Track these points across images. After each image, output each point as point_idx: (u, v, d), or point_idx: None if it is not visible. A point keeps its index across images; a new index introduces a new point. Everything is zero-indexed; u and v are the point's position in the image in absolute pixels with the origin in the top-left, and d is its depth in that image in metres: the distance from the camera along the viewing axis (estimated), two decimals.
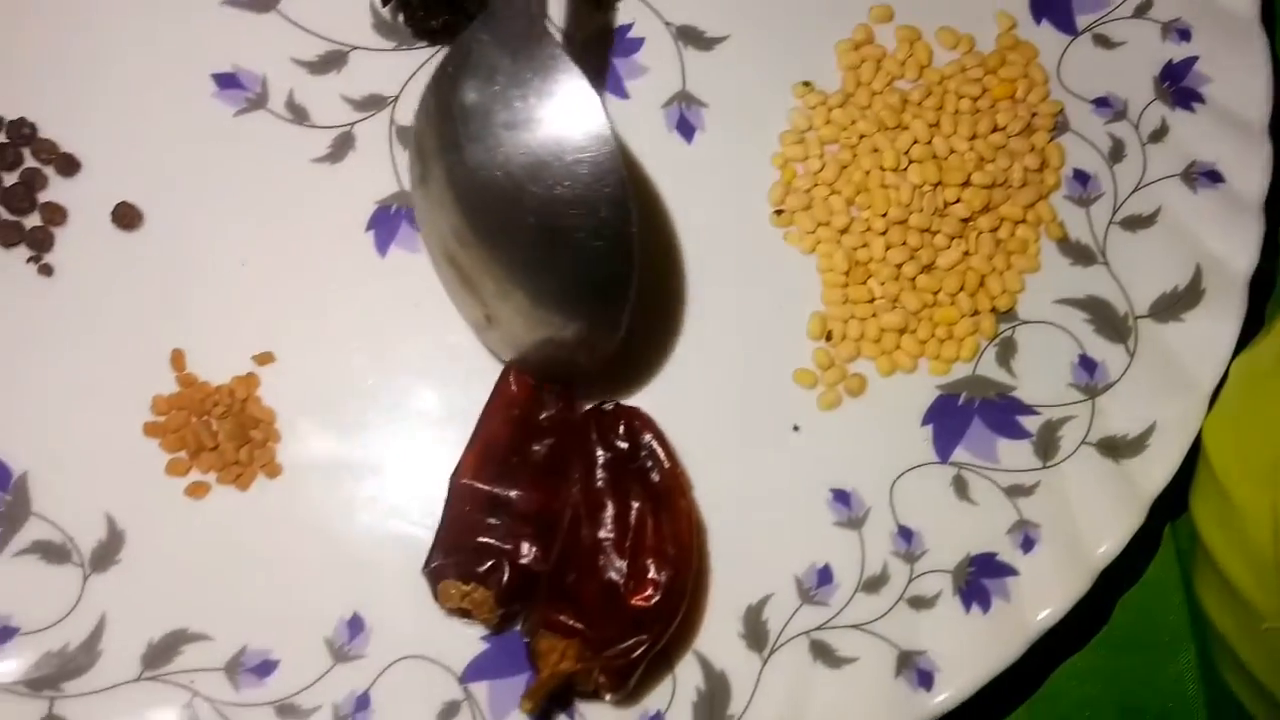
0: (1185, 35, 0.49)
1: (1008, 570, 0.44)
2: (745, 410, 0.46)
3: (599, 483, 0.43)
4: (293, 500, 0.44)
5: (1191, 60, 0.49)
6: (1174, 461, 0.45)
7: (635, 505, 0.43)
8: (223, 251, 0.46)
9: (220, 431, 0.44)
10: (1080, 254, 0.48)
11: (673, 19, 0.49)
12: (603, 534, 0.42)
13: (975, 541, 0.45)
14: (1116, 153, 0.49)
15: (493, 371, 0.45)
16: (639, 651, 0.40)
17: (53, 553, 0.43)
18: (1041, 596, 0.44)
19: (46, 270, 0.45)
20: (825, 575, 0.45)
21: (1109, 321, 0.47)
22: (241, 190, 0.47)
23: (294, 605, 0.43)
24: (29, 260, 0.45)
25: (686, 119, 0.49)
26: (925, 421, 0.47)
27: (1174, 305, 0.47)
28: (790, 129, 0.49)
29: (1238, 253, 0.47)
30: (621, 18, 0.49)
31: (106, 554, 0.43)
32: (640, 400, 0.45)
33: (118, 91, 0.47)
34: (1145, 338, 0.47)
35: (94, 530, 0.43)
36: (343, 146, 0.47)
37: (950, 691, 0.43)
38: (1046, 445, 0.46)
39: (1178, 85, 0.49)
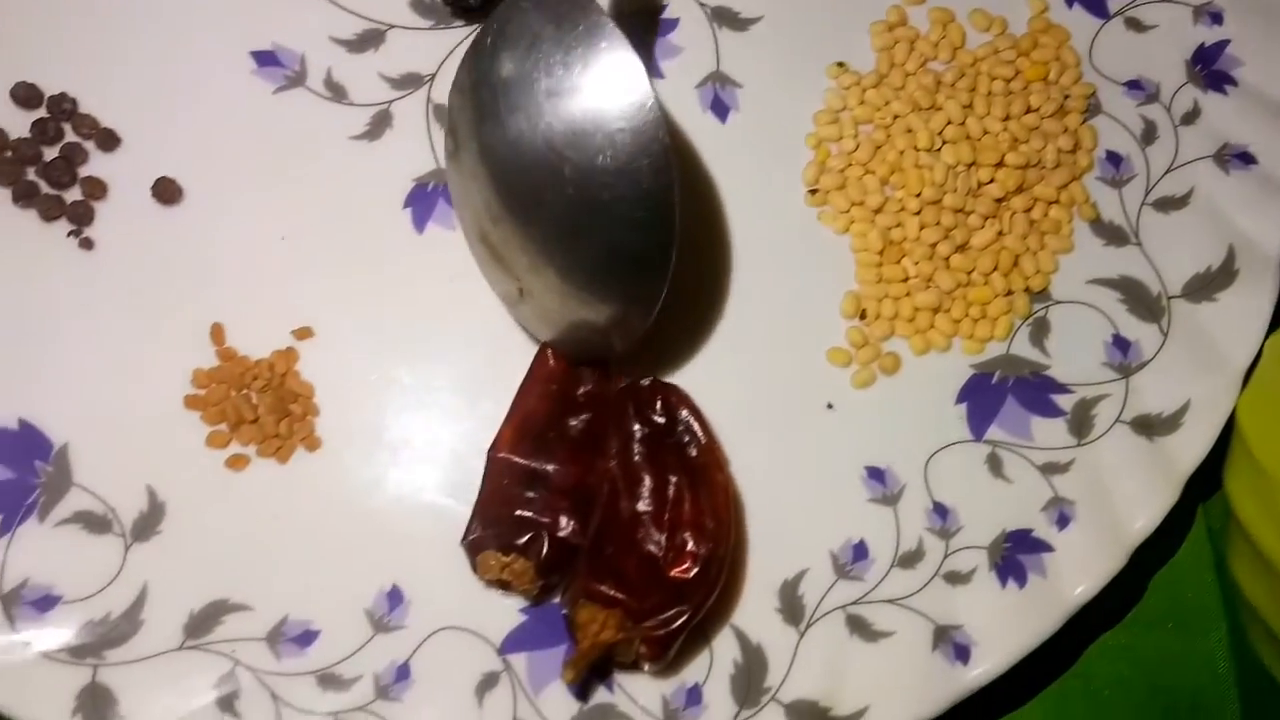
0: (1217, 18, 0.50)
1: (1043, 546, 0.44)
2: (779, 388, 0.47)
3: (636, 456, 0.43)
4: (331, 473, 0.44)
5: (1224, 43, 0.49)
6: (1208, 439, 0.45)
7: (673, 480, 0.43)
8: (262, 227, 0.46)
9: (260, 405, 0.44)
10: (1113, 235, 0.48)
11: (707, 0, 0.49)
12: (641, 507, 0.43)
13: (1010, 518, 0.45)
14: (1149, 135, 0.49)
15: (529, 347, 0.46)
16: (679, 622, 0.40)
17: (94, 523, 0.43)
18: (1077, 572, 0.44)
19: (87, 244, 0.45)
20: (861, 551, 0.45)
21: (1142, 301, 0.47)
22: (280, 167, 0.47)
23: (334, 577, 0.43)
24: (69, 234, 0.45)
25: (721, 99, 0.49)
26: (959, 400, 0.47)
27: (1207, 285, 0.47)
28: (824, 109, 0.49)
29: (1271, 233, 0.47)
30: None
31: (148, 525, 0.43)
32: (675, 378, 0.46)
33: (158, 68, 0.47)
34: (1178, 317, 0.47)
35: (135, 501, 0.43)
36: (380, 124, 0.48)
37: (987, 665, 0.43)
38: (1081, 423, 0.46)
39: (1210, 68, 0.49)
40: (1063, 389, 0.47)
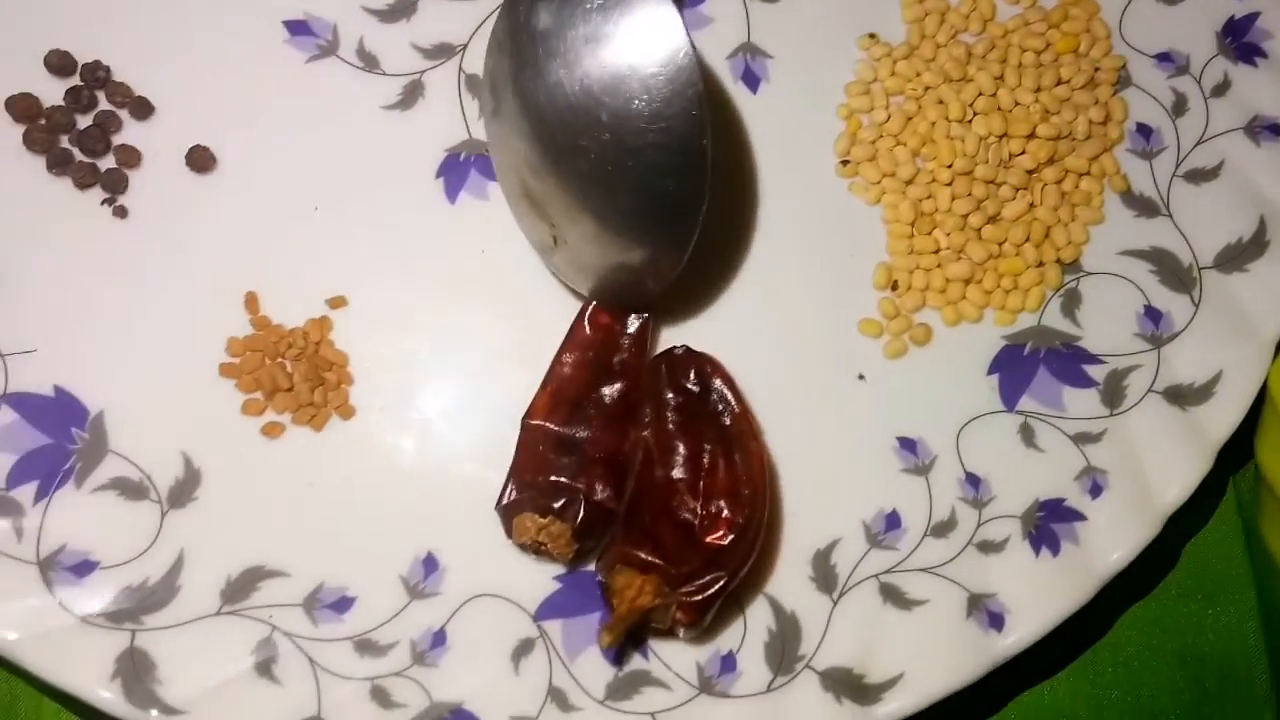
0: None
1: (1076, 515, 0.44)
2: (811, 359, 0.47)
3: (670, 424, 0.43)
4: (366, 441, 0.44)
5: (1254, 16, 0.49)
6: (1241, 408, 0.45)
7: (707, 448, 0.43)
8: (295, 196, 0.46)
9: (295, 373, 0.44)
10: (1144, 206, 0.48)
11: None
12: (676, 474, 0.43)
13: (1043, 487, 0.45)
14: (1179, 107, 0.49)
15: (562, 315, 0.46)
16: (716, 587, 0.40)
17: (130, 489, 0.43)
18: (1110, 541, 0.44)
19: (121, 212, 0.45)
20: (893, 520, 0.45)
21: (1173, 272, 0.47)
22: (313, 136, 0.47)
23: (369, 544, 0.43)
24: (103, 202, 0.45)
25: (752, 70, 0.49)
26: (991, 371, 0.47)
27: (1239, 256, 0.47)
28: (855, 80, 0.49)
29: None
30: None
31: (184, 491, 0.43)
32: (708, 348, 0.45)
33: (190, 36, 0.47)
34: (1210, 288, 0.47)
35: (171, 468, 0.43)
36: (413, 94, 0.48)
37: (1022, 632, 0.43)
38: (1113, 393, 0.46)
39: (1240, 40, 0.49)
40: (1094, 359, 0.47)
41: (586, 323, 0.45)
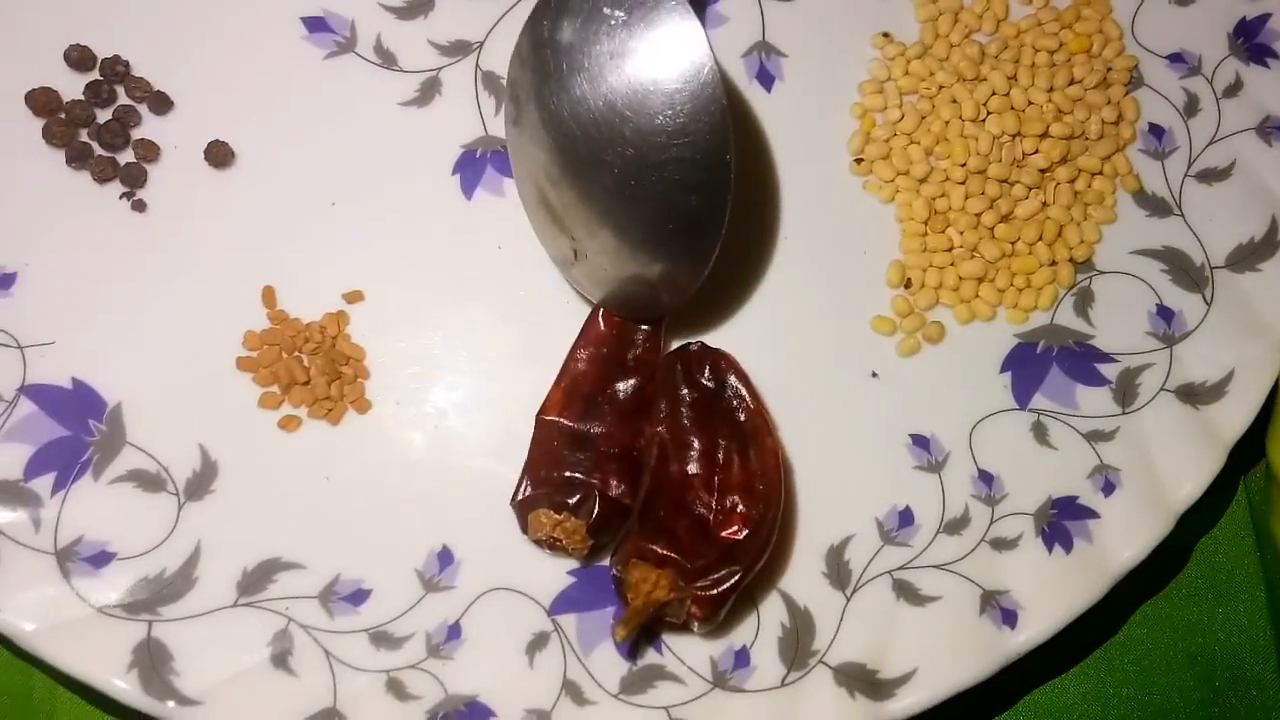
0: None
1: (1089, 513, 0.45)
2: (824, 356, 0.47)
3: (685, 420, 0.44)
4: (381, 435, 0.45)
5: (1265, 17, 0.50)
6: (1253, 406, 0.45)
7: (722, 443, 0.43)
8: (312, 191, 0.47)
9: (312, 367, 0.45)
10: (1156, 206, 0.48)
11: None
12: (690, 469, 0.43)
13: (1056, 485, 0.45)
14: (1191, 107, 0.49)
15: (576, 311, 0.46)
16: (731, 582, 0.41)
17: (148, 481, 0.43)
18: (1123, 538, 0.44)
19: (140, 206, 0.46)
20: (906, 517, 0.45)
21: (1186, 271, 0.47)
22: (331, 132, 0.47)
23: (384, 537, 0.43)
24: (122, 196, 0.46)
25: (766, 69, 0.49)
26: (1003, 369, 0.47)
27: (1250, 256, 0.47)
28: (869, 79, 0.50)
29: None
30: None
31: (201, 484, 0.43)
32: (722, 345, 0.45)
33: (209, 32, 0.47)
34: (1222, 287, 0.47)
35: (188, 460, 0.44)
36: (429, 91, 0.48)
37: (1035, 629, 0.43)
38: (1125, 392, 0.46)
39: (1252, 41, 0.50)
40: (1107, 358, 0.47)
41: (601, 319, 0.45)
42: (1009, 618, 0.43)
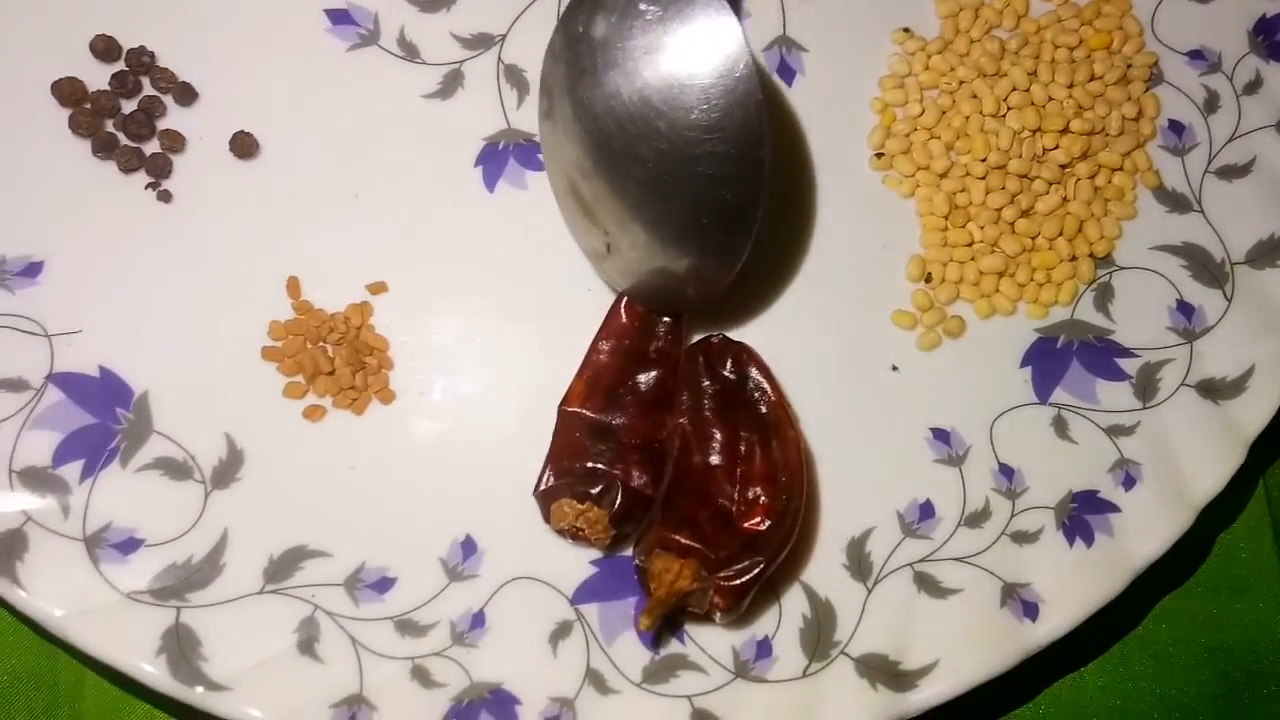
0: None
1: (1110, 507, 0.45)
2: (844, 350, 0.47)
3: (707, 412, 0.44)
4: (405, 425, 0.45)
5: None
6: (1273, 401, 0.45)
7: (744, 435, 0.43)
8: (336, 183, 0.47)
9: (336, 357, 0.45)
10: (1176, 202, 0.49)
11: None
12: (713, 460, 0.43)
13: (1077, 479, 0.45)
14: (1211, 104, 0.50)
15: (598, 303, 0.46)
16: (754, 572, 0.41)
17: (175, 469, 0.43)
18: (1144, 532, 0.44)
19: (165, 196, 0.46)
20: (927, 510, 0.45)
21: (1206, 267, 0.48)
22: (354, 124, 0.47)
23: (409, 526, 0.44)
24: (147, 186, 0.46)
25: (787, 63, 0.50)
26: (1024, 363, 0.47)
27: (1271, 252, 0.48)
28: (890, 74, 0.50)
29: None
30: None
31: (227, 472, 0.44)
32: (743, 338, 0.46)
33: (234, 24, 0.48)
34: (1242, 283, 0.47)
35: (215, 449, 0.44)
36: (452, 83, 0.48)
37: (1056, 621, 0.43)
38: (1146, 387, 0.46)
39: (1271, 39, 0.50)
40: (1127, 353, 0.47)
41: (623, 311, 0.45)
42: (1030, 610, 0.43)
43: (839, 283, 0.48)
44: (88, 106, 0.46)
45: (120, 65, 0.47)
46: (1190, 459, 0.45)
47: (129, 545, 0.42)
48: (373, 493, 0.44)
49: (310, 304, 0.46)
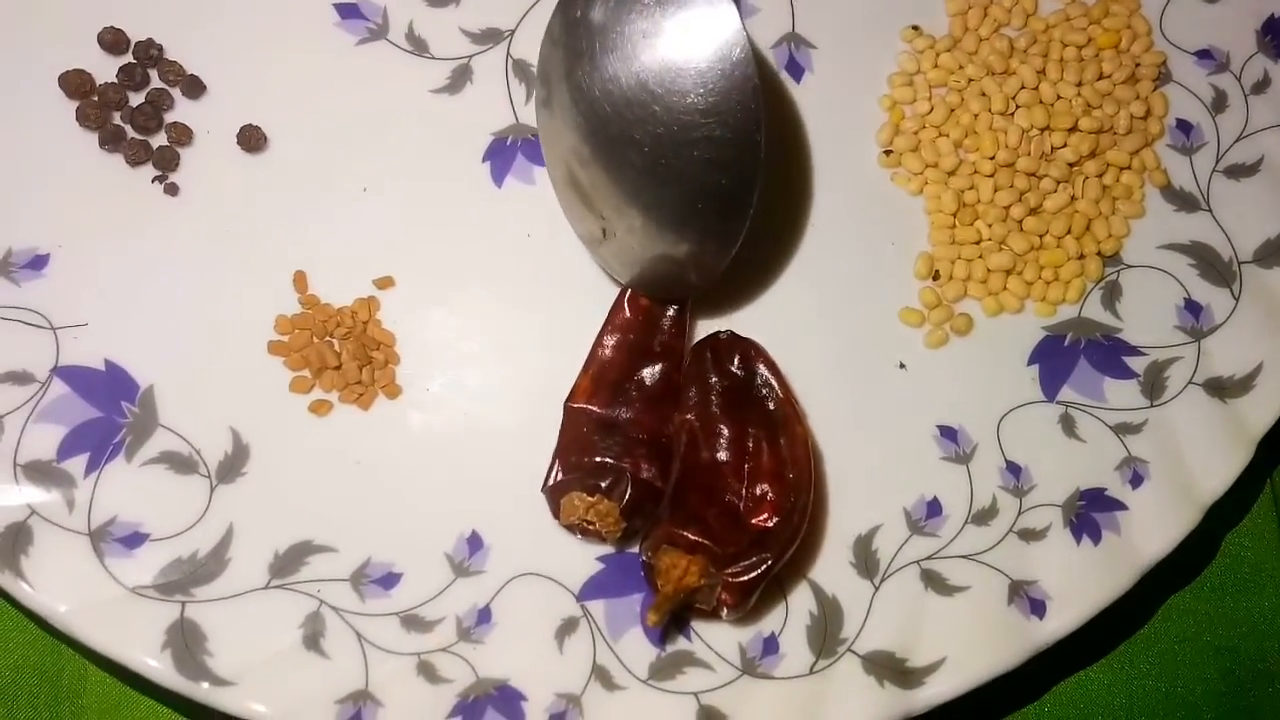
0: None
1: (1117, 505, 0.45)
2: (852, 347, 0.47)
3: (714, 408, 0.44)
4: (411, 420, 0.45)
5: None
6: None
7: (751, 431, 0.43)
8: (344, 177, 0.47)
9: (343, 352, 0.45)
10: (1184, 201, 0.49)
11: None
12: (720, 457, 0.43)
13: (1084, 477, 0.45)
14: (1219, 103, 0.49)
15: (604, 298, 0.46)
16: (761, 569, 0.41)
17: (180, 463, 0.43)
18: (1151, 530, 0.44)
19: (172, 189, 0.46)
20: (934, 508, 0.45)
21: (1213, 266, 0.48)
22: (362, 118, 0.47)
23: (415, 522, 0.44)
24: (155, 179, 0.46)
25: (796, 60, 0.49)
26: (1031, 361, 0.47)
27: (1278, 251, 0.48)
28: (899, 71, 0.50)
29: None
30: None
31: (232, 466, 0.43)
32: (751, 334, 0.46)
33: (243, 17, 0.48)
34: (1250, 282, 0.47)
35: (220, 443, 0.44)
36: (461, 78, 0.48)
37: (1064, 619, 0.43)
38: (1153, 385, 0.46)
39: None
40: (1135, 351, 0.47)
41: (627, 305, 0.45)
42: (1037, 608, 0.43)
43: (847, 280, 0.48)
44: (95, 99, 0.46)
45: (128, 58, 0.46)
46: (1197, 457, 0.45)
47: (134, 540, 0.42)
48: (378, 488, 0.44)
49: (317, 298, 0.45)
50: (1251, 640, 0.48)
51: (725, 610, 0.42)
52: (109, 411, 0.43)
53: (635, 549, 0.44)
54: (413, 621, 0.42)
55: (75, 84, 0.45)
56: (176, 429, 0.44)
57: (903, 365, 0.47)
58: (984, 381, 0.47)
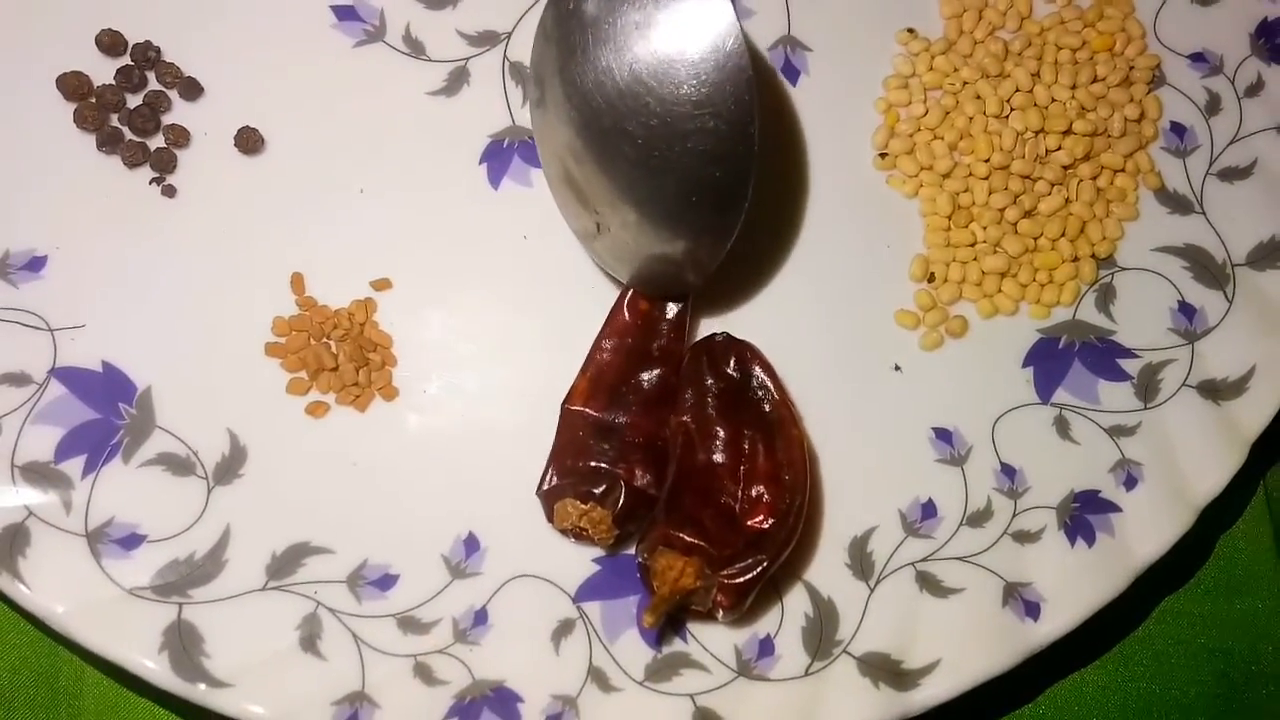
0: None
1: (1111, 507, 0.45)
2: (847, 350, 0.47)
3: (711, 410, 0.44)
4: (408, 423, 0.45)
5: None
6: (1274, 402, 0.46)
7: (747, 433, 0.43)
8: (341, 179, 0.47)
9: (340, 353, 0.45)
10: (1178, 203, 0.49)
11: None
12: (717, 458, 0.43)
13: (1078, 479, 0.45)
14: (1213, 106, 0.50)
15: (602, 301, 0.46)
16: (757, 570, 0.41)
17: (177, 465, 0.43)
18: (1145, 532, 0.44)
19: (170, 191, 0.46)
20: (929, 510, 0.45)
21: (1207, 269, 0.48)
22: (360, 120, 0.47)
23: (411, 523, 0.44)
24: (152, 181, 0.46)
25: (791, 62, 0.50)
26: (1026, 363, 0.47)
27: (1271, 254, 0.48)
28: (894, 74, 0.50)
29: None
30: None
31: (229, 468, 0.43)
32: (747, 336, 0.46)
33: (240, 19, 0.48)
34: (1243, 284, 0.48)
35: (217, 445, 0.44)
36: (457, 80, 0.48)
37: (1058, 621, 0.43)
38: (1147, 387, 0.47)
39: (1273, 42, 0.50)
40: (1129, 354, 0.47)
41: (625, 309, 0.45)
42: (1032, 610, 0.43)
43: (842, 282, 0.48)
44: (93, 101, 0.46)
45: (126, 60, 0.46)
46: (1191, 459, 0.45)
47: (131, 541, 0.42)
48: (375, 489, 0.44)
49: (314, 300, 0.46)
50: (1245, 642, 0.48)
51: (721, 612, 0.42)
52: (106, 413, 0.43)
53: (631, 551, 0.44)
54: (409, 623, 0.42)
55: (73, 86, 0.45)
56: (174, 430, 0.44)
57: (898, 367, 0.47)
58: (979, 384, 0.47)
